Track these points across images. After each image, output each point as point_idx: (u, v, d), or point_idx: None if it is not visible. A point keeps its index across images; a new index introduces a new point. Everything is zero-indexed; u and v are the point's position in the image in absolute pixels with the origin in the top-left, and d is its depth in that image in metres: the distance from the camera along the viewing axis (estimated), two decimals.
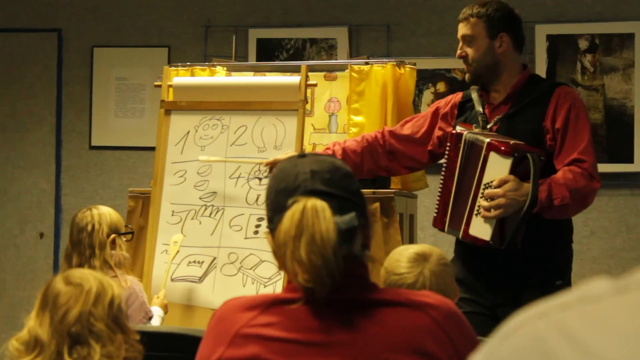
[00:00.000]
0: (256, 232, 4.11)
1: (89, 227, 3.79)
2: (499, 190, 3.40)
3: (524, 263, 3.53)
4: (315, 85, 4.42)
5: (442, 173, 3.62)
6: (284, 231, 1.92)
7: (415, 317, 1.93)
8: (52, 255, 6.68)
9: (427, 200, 5.89)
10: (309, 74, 4.29)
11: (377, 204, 4.06)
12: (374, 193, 4.06)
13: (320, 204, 1.92)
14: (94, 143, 6.67)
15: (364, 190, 2.09)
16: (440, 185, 3.64)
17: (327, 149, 3.91)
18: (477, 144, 3.46)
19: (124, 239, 3.90)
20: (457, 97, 3.83)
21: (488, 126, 3.61)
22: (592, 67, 5.99)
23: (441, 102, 3.88)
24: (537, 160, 3.40)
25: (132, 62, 6.61)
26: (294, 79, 4.30)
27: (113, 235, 3.81)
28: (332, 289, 1.90)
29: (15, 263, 6.74)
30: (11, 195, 6.77)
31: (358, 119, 4.52)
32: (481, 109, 3.67)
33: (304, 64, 4.42)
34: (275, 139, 4.21)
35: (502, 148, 3.40)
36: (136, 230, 4.28)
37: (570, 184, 3.44)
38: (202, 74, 4.75)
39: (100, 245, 3.77)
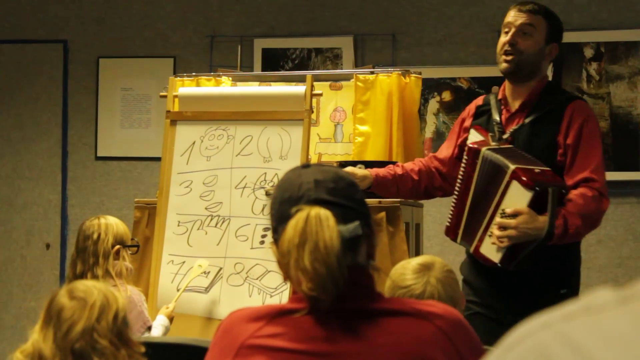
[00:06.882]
0: (262, 242, 4.11)
1: (95, 236, 3.82)
2: (512, 222, 3.40)
3: (529, 271, 3.54)
4: (321, 94, 4.43)
5: (458, 185, 3.63)
6: (288, 239, 1.92)
7: (421, 327, 1.92)
8: (58, 267, 6.69)
9: (433, 209, 5.88)
10: (315, 83, 4.30)
11: (383, 214, 4.06)
12: (379, 202, 4.06)
13: (324, 212, 1.92)
14: (99, 154, 6.68)
15: (369, 200, 2.09)
16: (455, 197, 3.64)
17: (388, 167, 3.93)
18: (502, 167, 3.45)
19: (129, 251, 3.92)
20: (478, 101, 3.83)
21: (504, 137, 3.60)
22: (598, 76, 5.99)
23: (464, 113, 3.88)
24: (557, 195, 3.40)
25: (138, 72, 6.62)
26: (299, 88, 4.31)
27: (118, 247, 3.83)
28: (337, 298, 1.90)
29: (22, 274, 6.75)
30: (17, 206, 6.78)
31: (363, 128, 4.53)
32: (497, 118, 3.67)
33: (309, 73, 4.42)
34: (281, 149, 4.21)
35: (525, 179, 3.38)
36: (142, 240, 4.29)
37: (583, 211, 3.45)
38: (208, 84, 4.76)
39: (105, 254, 3.80)
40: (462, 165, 3.62)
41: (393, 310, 1.95)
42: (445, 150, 3.90)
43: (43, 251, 6.73)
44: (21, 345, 2.36)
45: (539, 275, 3.55)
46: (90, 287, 2.39)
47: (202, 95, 4.51)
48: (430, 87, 6.08)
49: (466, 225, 3.61)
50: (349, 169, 3.91)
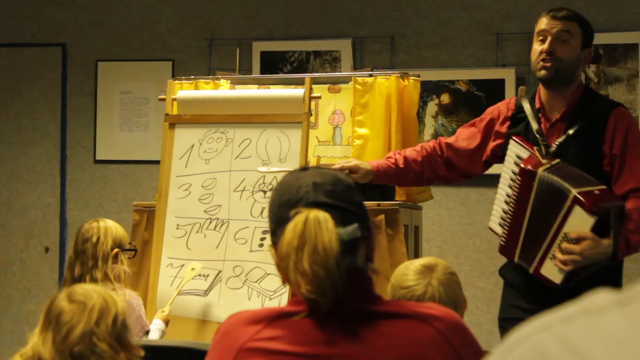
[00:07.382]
0: (261, 245, 4.11)
1: (94, 239, 3.82)
2: (576, 247, 3.39)
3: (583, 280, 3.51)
4: (319, 97, 4.42)
5: (512, 205, 3.60)
6: (287, 242, 1.92)
7: (420, 329, 1.92)
8: (57, 270, 6.68)
9: (432, 211, 5.89)
10: (313, 86, 4.29)
11: (382, 216, 4.06)
12: (378, 205, 4.06)
13: (322, 215, 1.92)
14: (98, 157, 6.68)
15: (368, 203, 2.09)
16: (510, 217, 3.61)
17: (389, 157, 3.95)
18: (563, 191, 3.42)
19: (127, 255, 3.93)
20: (510, 105, 3.79)
21: (551, 150, 3.57)
22: (597, 78, 5.99)
23: (494, 113, 3.83)
24: (618, 218, 3.41)
25: (137, 75, 6.62)
26: (298, 91, 4.30)
27: (116, 250, 3.83)
28: (336, 300, 1.90)
29: (21, 278, 6.74)
30: (16, 209, 6.77)
31: (362, 131, 4.52)
32: (536, 126, 3.63)
33: (308, 76, 4.42)
34: (280, 152, 4.21)
35: (587, 204, 3.37)
36: (141, 244, 4.29)
37: (639, 224, 3.47)
38: (206, 87, 4.75)
39: (104, 257, 3.80)
40: (515, 185, 3.58)
41: (392, 312, 1.95)
42: (466, 142, 3.87)
43: (42, 254, 6.73)
44: (20, 349, 2.36)
45: (594, 283, 3.50)
46: (90, 291, 2.39)
47: (200, 98, 4.50)
48: (428, 89, 6.08)
49: (523, 246, 3.58)
50: (352, 162, 3.93)
